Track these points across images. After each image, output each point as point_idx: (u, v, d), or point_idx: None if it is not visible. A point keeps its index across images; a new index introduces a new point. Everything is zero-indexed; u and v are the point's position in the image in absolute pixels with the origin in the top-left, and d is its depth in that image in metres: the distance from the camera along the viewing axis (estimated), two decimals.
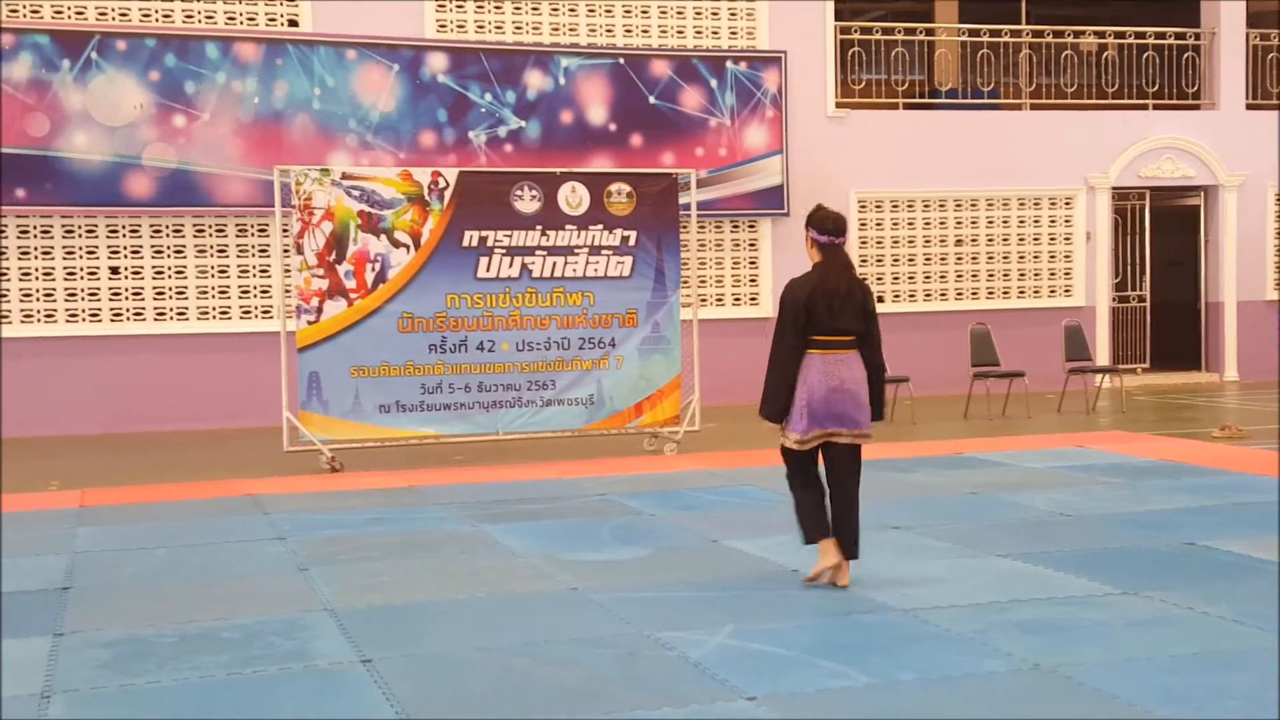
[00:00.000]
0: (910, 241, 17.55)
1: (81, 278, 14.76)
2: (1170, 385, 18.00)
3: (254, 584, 6.99)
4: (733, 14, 16.70)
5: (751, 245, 16.96)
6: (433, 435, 11.65)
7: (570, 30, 16.20)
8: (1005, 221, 17.85)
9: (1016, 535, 7.84)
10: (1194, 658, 5.33)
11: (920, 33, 18.17)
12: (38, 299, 14.64)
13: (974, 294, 17.79)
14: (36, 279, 14.65)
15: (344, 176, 11.46)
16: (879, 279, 17.43)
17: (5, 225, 14.49)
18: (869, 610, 6.16)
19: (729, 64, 16.32)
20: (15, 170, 14.13)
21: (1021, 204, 17.85)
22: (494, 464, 11.57)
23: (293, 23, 15.26)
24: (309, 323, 11.26)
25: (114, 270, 14.85)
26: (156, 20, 14.85)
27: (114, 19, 14.72)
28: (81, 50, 14.26)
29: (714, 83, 16.24)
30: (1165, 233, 18.75)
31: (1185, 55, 18.57)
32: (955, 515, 8.55)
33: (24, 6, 14.53)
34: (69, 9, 14.66)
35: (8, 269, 14.55)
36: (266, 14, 15.23)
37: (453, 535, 8.24)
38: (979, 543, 7.61)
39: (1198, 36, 18.62)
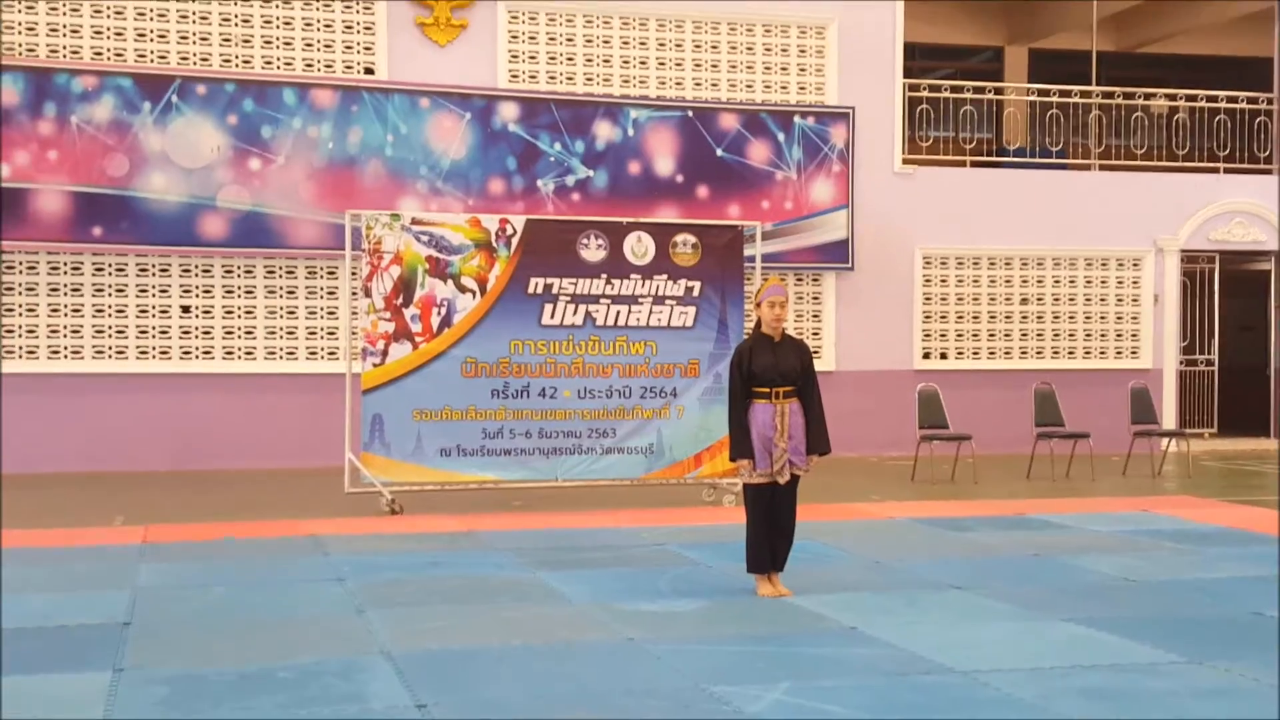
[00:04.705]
0: (975, 299, 17.42)
1: (154, 315, 14.95)
2: (1238, 451, 17.69)
3: (312, 625, 6.99)
4: (802, 69, 16.73)
5: (815, 299, 16.90)
6: (492, 480, 11.66)
7: (640, 83, 16.30)
8: (1072, 281, 17.68)
9: (1080, 599, 7.70)
10: None
11: (989, 91, 18.12)
12: (110, 336, 14.83)
13: (1039, 353, 17.62)
14: (110, 316, 14.84)
15: (414, 222, 11.57)
16: (943, 335, 17.31)
17: (82, 263, 14.71)
18: (928, 671, 6.06)
19: (797, 118, 16.33)
20: (93, 209, 14.35)
21: (1089, 264, 17.69)
22: (552, 511, 11.56)
23: (369, 70, 15.45)
24: (374, 365, 11.33)
25: (185, 309, 15.02)
26: (236, 65, 15.09)
27: (195, 63, 14.97)
28: (163, 93, 14.50)
29: (781, 136, 16.25)
30: (1235, 296, 18.50)
31: (1257, 119, 18.38)
32: (1017, 577, 8.42)
33: (108, 49, 14.81)
34: (152, 53, 14.92)
35: (82, 305, 14.76)
36: (344, 61, 15.43)
37: (510, 582, 8.22)
38: (1041, 606, 7.48)
39: (1269, 101, 18.43)
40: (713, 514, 11.49)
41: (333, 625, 6.97)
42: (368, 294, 11.36)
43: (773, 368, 7.71)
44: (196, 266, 15.03)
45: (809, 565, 8.74)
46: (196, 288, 15.05)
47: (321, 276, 15.35)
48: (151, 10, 14.92)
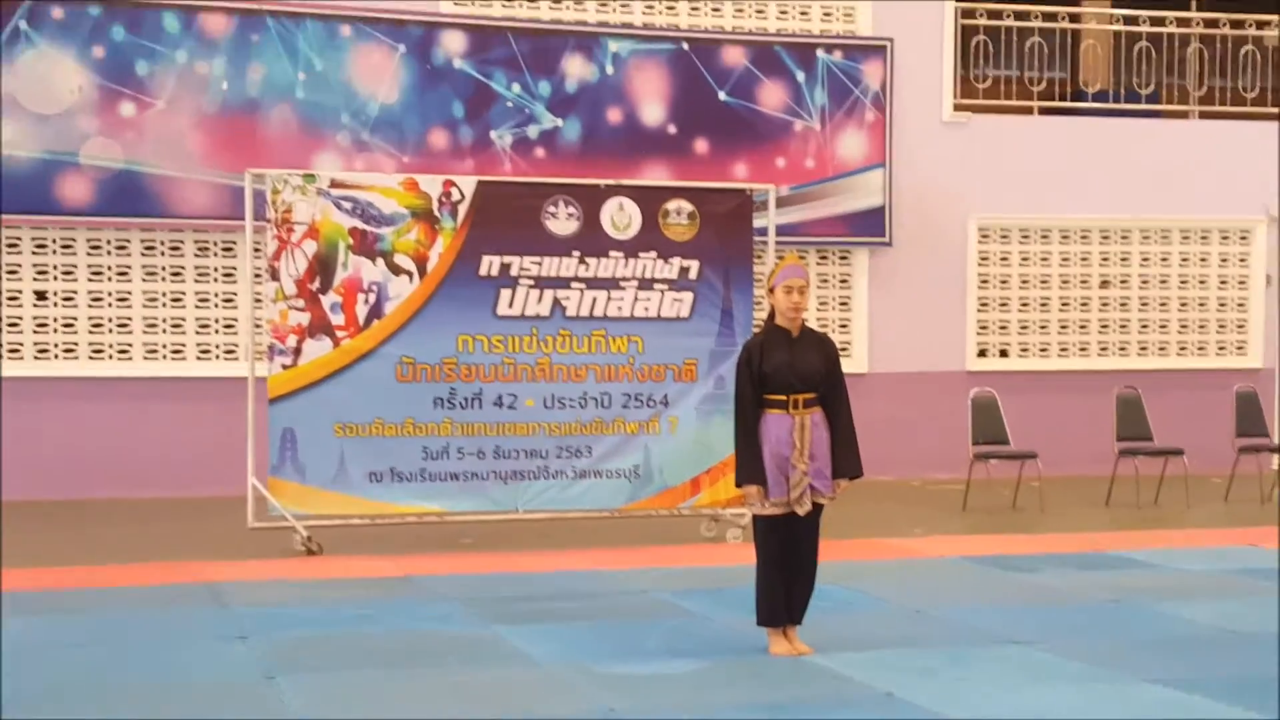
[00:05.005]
0: (1044, 282, 17.61)
1: None
2: None
3: (208, 695, 7.09)
4: None
5: (843, 282, 17.06)
6: (436, 512, 11.76)
7: (622, 8, 16.41)
8: (1164, 259, 17.88)
9: (1168, 656, 7.87)
10: None
11: (1063, 20, 18.19)
12: None
13: (1122, 350, 17.82)
14: None
15: (333, 184, 11.65)
16: (1003, 328, 17.51)
17: None
18: None
19: (820, 53, 16.48)
20: None
21: (1185, 238, 17.89)
22: (513, 550, 11.67)
23: None
24: (284, 367, 11.42)
25: (40, 295, 15.09)
26: None
27: None
28: (7, 19, 14.49)
29: (801, 76, 16.40)
30: None
31: None
32: (1091, 629, 8.58)
33: None
34: None
35: None
36: None
37: (459, 639, 8.35)
38: (1120, 664, 7.65)
39: None
40: (714, 553, 11.62)
41: (234, 695, 7.07)
42: (275, 276, 11.44)
43: (790, 369, 7.85)
44: (54, 241, 15.09)
45: (834, 616, 8.87)
46: (54, 268, 15.12)
47: (215, 254, 15.45)
48: None
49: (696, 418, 12.08)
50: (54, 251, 15.10)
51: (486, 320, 11.74)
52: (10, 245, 14.97)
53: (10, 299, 15.01)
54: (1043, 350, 17.65)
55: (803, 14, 16.79)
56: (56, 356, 15.13)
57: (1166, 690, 7.16)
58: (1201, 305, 17.99)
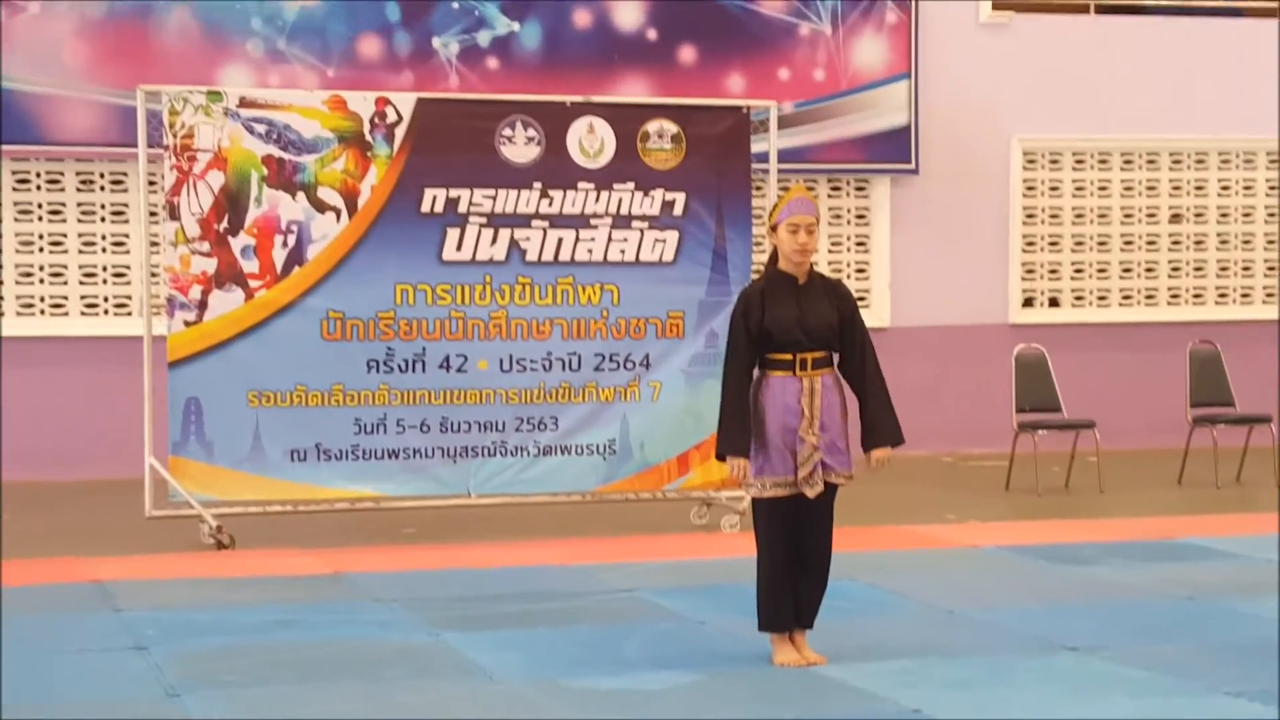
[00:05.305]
0: (1103, 215, 17.62)
1: None
2: None
3: (101, 716, 7.05)
4: None
5: (860, 218, 17.07)
6: (371, 496, 11.80)
7: None
8: (1248, 188, 17.89)
9: (1252, 663, 7.87)
10: None
11: None
12: None
13: (1197, 297, 17.85)
14: None
15: (243, 104, 11.62)
16: (1053, 272, 17.52)
17: None
18: None
19: None
20: None
21: (1273, 162, 17.89)
22: (463, 542, 11.69)
23: None
24: (186, 324, 11.42)
25: None
26: None
27: None
28: None
29: None
30: None
31: None
32: (1161, 632, 8.61)
33: None
34: None
35: None
36: None
37: (400, 648, 8.34)
38: (1195, 673, 7.66)
39: None
40: (707, 544, 11.66)
41: (130, 717, 7.05)
42: (174, 215, 11.43)
43: (797, 323, 7.83)
44: None
45: (851, 619, 8.89)
46: None
47: (102, 188, 15.43)
48: None
49: (684, 382, 12.11)
50: None
51: (430, 266, 11.75)
52: None
53: None
54: (1101, 299, 17.68)
55: None
56: None
57: (1250, 704, 7.15)
58: None
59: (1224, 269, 17.91)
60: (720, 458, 7.90)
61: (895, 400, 8.02)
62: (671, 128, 12.15)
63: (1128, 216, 17.67)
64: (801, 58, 16.36)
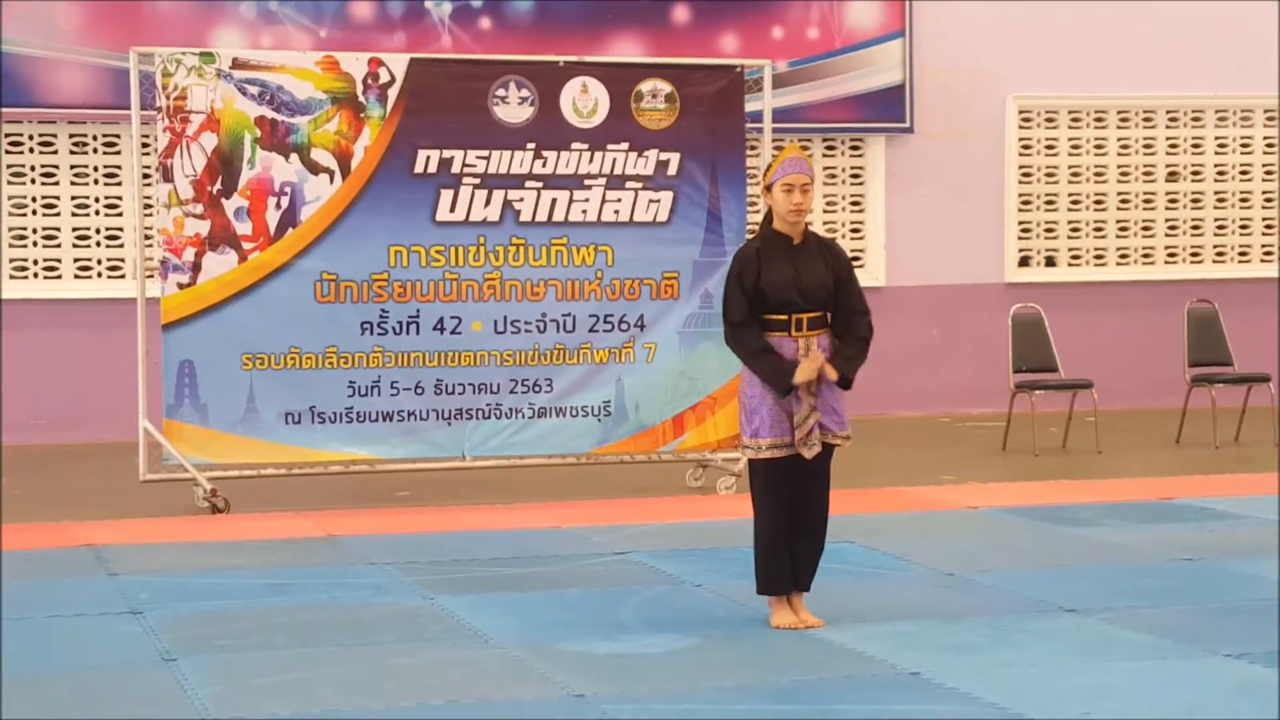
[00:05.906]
0: (1100, 174, 17.56)
1: None
2: None
3: (95, 682, 7.05)
4: None
5: (855, 177, 17.02)
6: (365, 459, 11.79)
7: None
8: (1246, 145, 17.84)
9: (1253, 625, 7.85)
10: None
11: None
12: None
13: (1195, 256, 17.81)
14: None
15: (236, 65, 11.57)
16: (1050, 231, 17.47)
17: None
18: None
19: None
20: None
21: (1271, 119, 17.83)
22: (457, 504, 11.68)
23: None
24: (180, 286, 11.38)
25: None
26: None
27: None
28: None
29: None
30: None
31: None
32: (1160, 593, 8.58)
33: None
34: None
35: None
36: None
37: (395, 612, 8.33)
38: (1194, 635, 7.64)
39: None
40: (702, 506, 11.63)
41: (128, 682, 7.03)
42: (167, 177, 11.38)
43: (792, 284, 7.81)
44: None
45: (849, 581, 8.89)
46: None
47: (96, 150, 15.37)
48: None
49: (679, 343, 12.10)
50: None
51: (424, 228, 11.72)
52: None
53: None
54: (1098, 258, 17.63)
55: None
56: None
57: (1251, 666, 7.12)
58: None
59: (1221, 227, 17.86)
60: (787, 391, 7.72)
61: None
62: (665, 87, 12.11)
63: (1124, 175, 17.61)
64: (795, 16, 16.30)
